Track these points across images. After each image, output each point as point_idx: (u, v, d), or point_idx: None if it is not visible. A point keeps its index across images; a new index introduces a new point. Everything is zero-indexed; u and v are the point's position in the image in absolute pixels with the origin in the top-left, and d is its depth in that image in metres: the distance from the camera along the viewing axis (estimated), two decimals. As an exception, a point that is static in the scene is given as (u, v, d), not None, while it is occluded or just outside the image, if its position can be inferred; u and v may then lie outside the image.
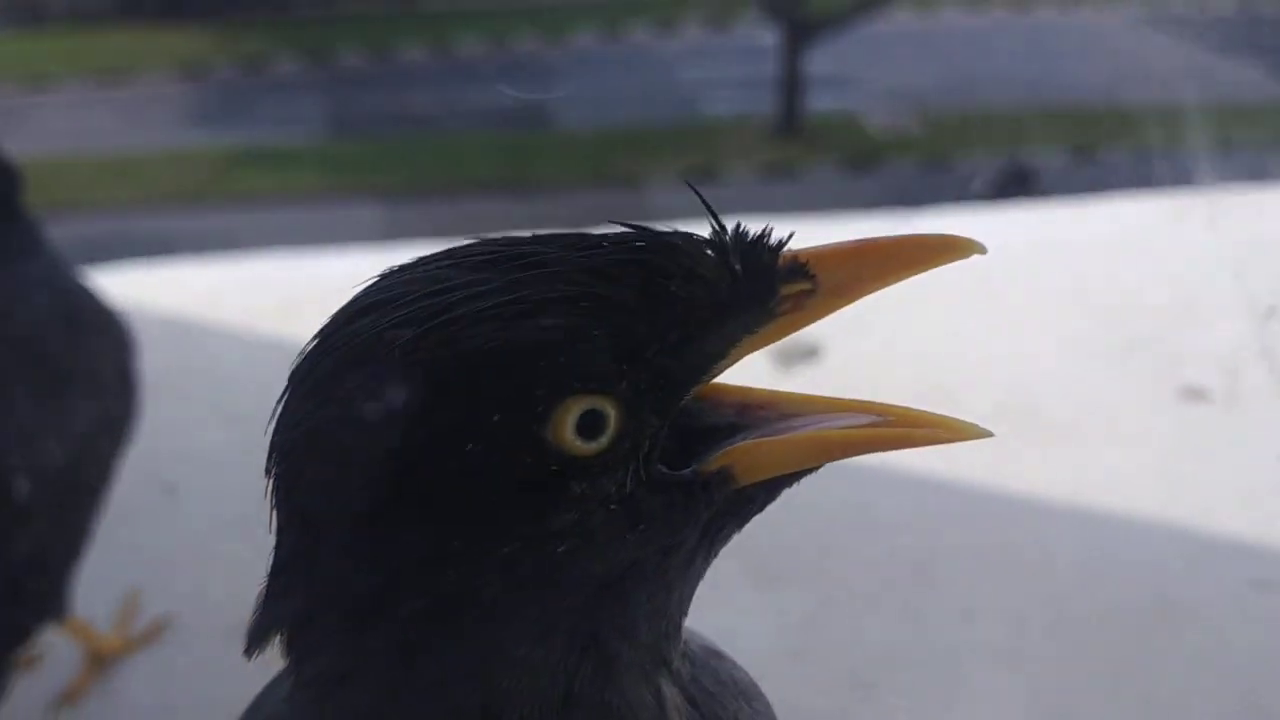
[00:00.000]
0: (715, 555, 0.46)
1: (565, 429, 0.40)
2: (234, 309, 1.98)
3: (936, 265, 0.44)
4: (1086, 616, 1.38)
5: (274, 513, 0.44)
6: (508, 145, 9.56)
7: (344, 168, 8.84)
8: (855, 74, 10.72)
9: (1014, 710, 1.25)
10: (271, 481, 0.44)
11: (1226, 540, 1.47)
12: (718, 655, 0.52)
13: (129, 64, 10.21)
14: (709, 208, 0.44)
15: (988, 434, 0.44)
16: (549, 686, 0.42)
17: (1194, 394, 1.73)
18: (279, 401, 0.44)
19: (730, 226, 0.43)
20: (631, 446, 0.41)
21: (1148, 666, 1.30)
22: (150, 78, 10.19)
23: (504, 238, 0.43)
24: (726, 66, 10.92)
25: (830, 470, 0.45)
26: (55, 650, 1.27)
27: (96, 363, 1.19)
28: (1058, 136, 9.16)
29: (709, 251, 0.42)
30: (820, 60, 10.24)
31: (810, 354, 1.67)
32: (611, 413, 0.41)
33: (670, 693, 0.45)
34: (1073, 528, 1.49)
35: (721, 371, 0.44)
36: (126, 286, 1.75)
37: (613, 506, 0.41)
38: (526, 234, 0.43)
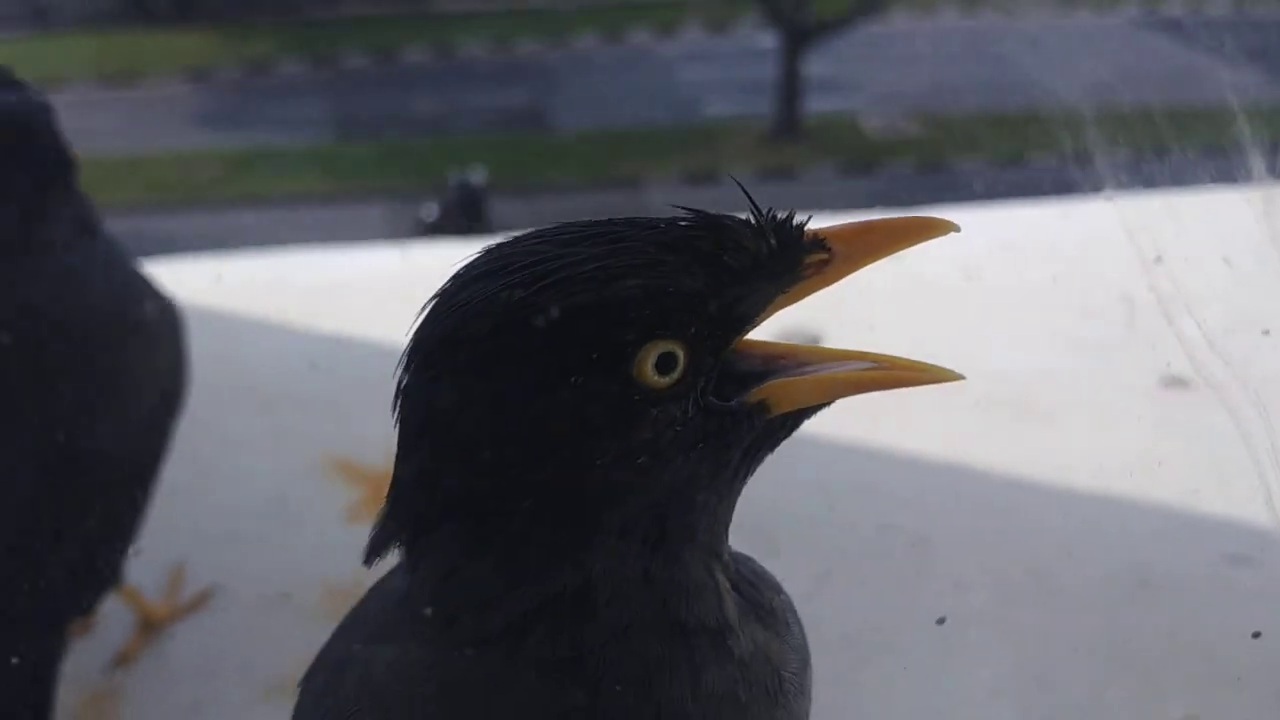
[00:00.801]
0: (752, 473, 0.56)
1: (647, 367, 0.50)
2: (261, 301, 2.06)
3: (922, 240, 0.55)
4: (1070, 587, 1.45)
5: (399, 446, 0.54)
6: (510, 147, 9.64)
7: (349, 169, 8.91)
8: (853, 76, 10.76)
9: (1003, 672, 1.33)
10: (399, 417, 0.53)
11: (1203, 518, 1.55)
12: (748, 557, 0.63)
13: (137, 66, 10.28)
14: (747, 194, 0.54)
15: (960, 377, 0.55)
16: (630, 570, 0.52)
17: (1173, 382, 1.81)
18: (405, 354, 0.53)
19: (764, 210, 0.54)
20: (692, 381, 0.52)
21: (1128, 634, 1.37)
22: (158, 80, 10.25)
23: (583, 221, 0.53)
24: (726, 69, 10.97)
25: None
26: (110, 616, 1.35)
27: (153, 344, 1.25)
28: (1053, 138, 9.22)
29: (750, 229, 0.53)
30: (819, 63, 10.29)
31: (813, 343, 1.76)
32: (680, 354, 0.51)
33: (721, 579, 0.56)
34: (1058, 506, 1.57)
35: (760, 324, 0.55)
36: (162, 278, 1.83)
37: (678, 428, 0.51)
38: (601, 219, 0.53)
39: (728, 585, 0.57)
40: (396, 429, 0.54)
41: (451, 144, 9.65)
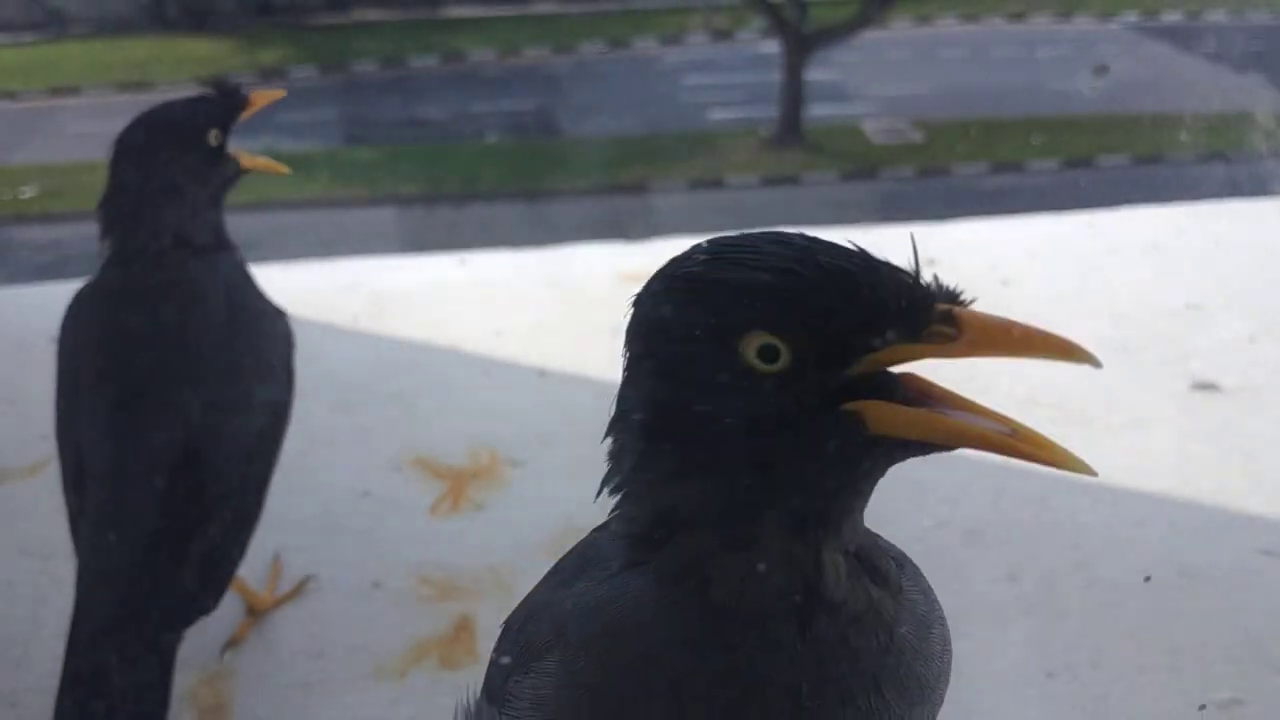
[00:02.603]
0: (867, 484, 0.65)
1: (750, 348, 0.60)
2: (327, 306, 2.14)
3: (1052, 358, 0.61)
4: (1112, 577, 1.53)
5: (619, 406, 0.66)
6: (518, 153, 9.68)
7: (359, 174, 8.96)
8: (856, 83, 10.82)
9: (1054, 654, 1.41)
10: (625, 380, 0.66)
11: (1237, 513, 1.64)
12: (876, 535, 0.72)
13: (151, 72, 10.32)
14: (915, 251, 0.63)
15: (1091, 471, 0.62)
16: (761, 530, 0.63)
17: (1205, 386, 1.91)
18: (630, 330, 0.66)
19: (916, 271, 0.62)
20: (798, 379, 0.61)
21: (1170, 620, 1.45)
22: (172, 85, 10.24)
23: (791, 232, 0.64)
24: (730, 76, 11.02)
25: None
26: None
27: (270, 353, 1.32)
28: (1055, 144, 9.30)
29: (891, 282, 0.61)
30: (822, 69, 10.34)
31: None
32: (783, 351, 0.60)
33: (834, 555, 0.65)
34: (1101, 502, 1.66)
35: (873, 364, 0.61)
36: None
37: (770, 410, 0.61)
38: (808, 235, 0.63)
39: (840, 559, 0.65)
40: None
41: (460, 149, 9.70)
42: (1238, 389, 1.91)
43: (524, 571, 1.53)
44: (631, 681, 0.64)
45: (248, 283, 1.34)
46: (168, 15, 11.48)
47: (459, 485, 1.69)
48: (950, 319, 0.60)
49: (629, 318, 0.65)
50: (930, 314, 0.60)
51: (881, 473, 0.65)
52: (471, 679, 1.37)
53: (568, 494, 1.67)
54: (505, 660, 0.72)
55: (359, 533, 1.61)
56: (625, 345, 0.66)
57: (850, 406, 0.61)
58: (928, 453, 0.62)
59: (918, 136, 9.69)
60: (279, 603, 1.49)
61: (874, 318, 0.60)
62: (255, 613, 1.46)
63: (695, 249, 0.64)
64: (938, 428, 0.60)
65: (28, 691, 1.34)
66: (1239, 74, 10.77)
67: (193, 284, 1.27)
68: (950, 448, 0.62)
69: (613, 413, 0.66)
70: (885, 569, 0.68)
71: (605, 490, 0.67)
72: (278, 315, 1.35)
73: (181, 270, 1.26)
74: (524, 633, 0.71)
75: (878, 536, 0.72)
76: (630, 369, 0.65)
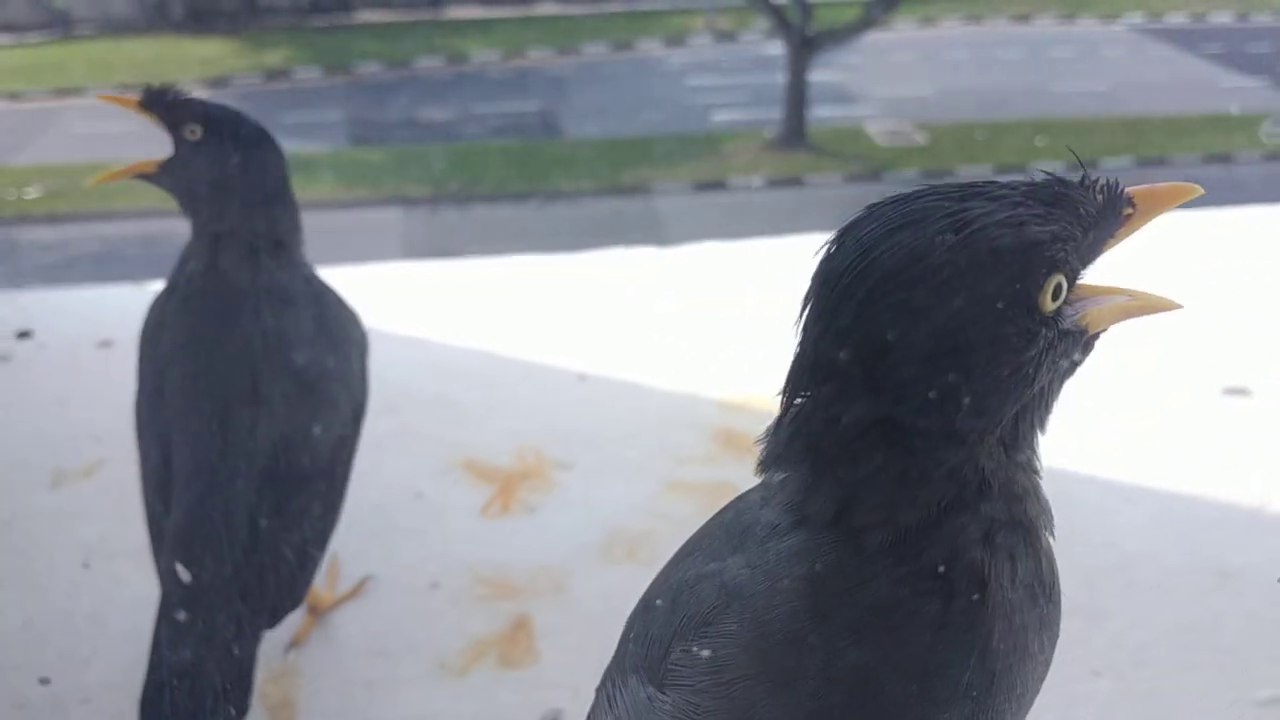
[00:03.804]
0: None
1: (1046, 296, 0.64)
2: (368, 309, 2.16)
3: (1185, 199, 0.70)
4: (1153, 578, 1.55)
5: (811, 372, 0.65)
6: (522, 154, 9.72)
7: (363, 175, 9.00)
8: (859, 85, 10.86)
9: (1098, 653, 1.43)
10: (818, 345, 0.64)
11: (1274, 514, 1.67)
12: None
13: (154, 73, 10.34)
14: (1081, 164, 0.70)
15: (1178, 305, 0.71)
16: (994, 475, 0.66)
17: (1236, 391, 1.94)
18: (820, 289, 0.65)
19: (1094, 177, 0.68)
20: (1061, 307, 0.65)
21: (1212, 620, 1.47)
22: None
23: (953, 184, 0.66)
24: (734, 77, 11.05)
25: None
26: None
27: (352, 357, 1.34)
28: (1059, 146, 9.33)
29: (1089, 189, 0.67)
30: (825, 71, 10.38)
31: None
32: (1064, 283, 0.65)
33: (1038, 481, 0.70)
34: (1138, 505, 1.68)
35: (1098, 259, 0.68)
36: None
37: (1053, 345, 0.65)
38: (967, 182, 0.67)
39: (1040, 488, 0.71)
40: (809, 357, 0.65)
41: (463, 150, 9.73)
42: (1268, 394, 1.94)
43: (576, 572, 1.56)
44: (836, 626, 0.65)
45: (326, 287, 1.36)
46: (172, 16, 11.51)
47: (508, 487, 1.72)
48: (1128, 199, 0.69)
49: (862, 308, 0.63)
50: (1120, 202, 0.68)
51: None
52: (532, 677, 1.41)
53: (615, 495, 1.70)
54: (657, 635, 0.72)
55: (414, 533, 1.64)
56: (853, 343, 0.63)
57: (1083, 318, 0.67)
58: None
59: (921, 138, 9.73)
60: (339, 602, 1.51)
61: (1098, 222, 0.67)
62: (316, 612, 1.48)
63: (918, 220, 0.63)
64: (1127, 312, 0.69)
65: (99, 688, 1.36)
66: (1243, 76, 10.81)
67: (283, 288, 1.29)
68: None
69: (787, 391, 0.67)
70: (1048, 508, 0.72)
71: (768, 465, 0.68)
72: (355, 320, 1.38)
73: (272, 274, 1.28)
74: (679, 606, 0.71)
75: None
76: (856, 348, 0.63)
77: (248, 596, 1.20)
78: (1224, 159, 8.96)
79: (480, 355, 2.10)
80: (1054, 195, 0.65)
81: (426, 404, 1.94)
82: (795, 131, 9.80)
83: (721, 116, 10.30)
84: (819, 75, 10.15)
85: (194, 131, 1.25)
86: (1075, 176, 0.68)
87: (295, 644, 1.45)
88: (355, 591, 1.53)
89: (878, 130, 9.95)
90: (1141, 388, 1.95)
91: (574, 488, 1.74)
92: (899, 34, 11.50)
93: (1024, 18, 11.79)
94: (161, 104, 1.26)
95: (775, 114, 9.94)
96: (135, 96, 1.28)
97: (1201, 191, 0.71)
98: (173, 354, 1.25)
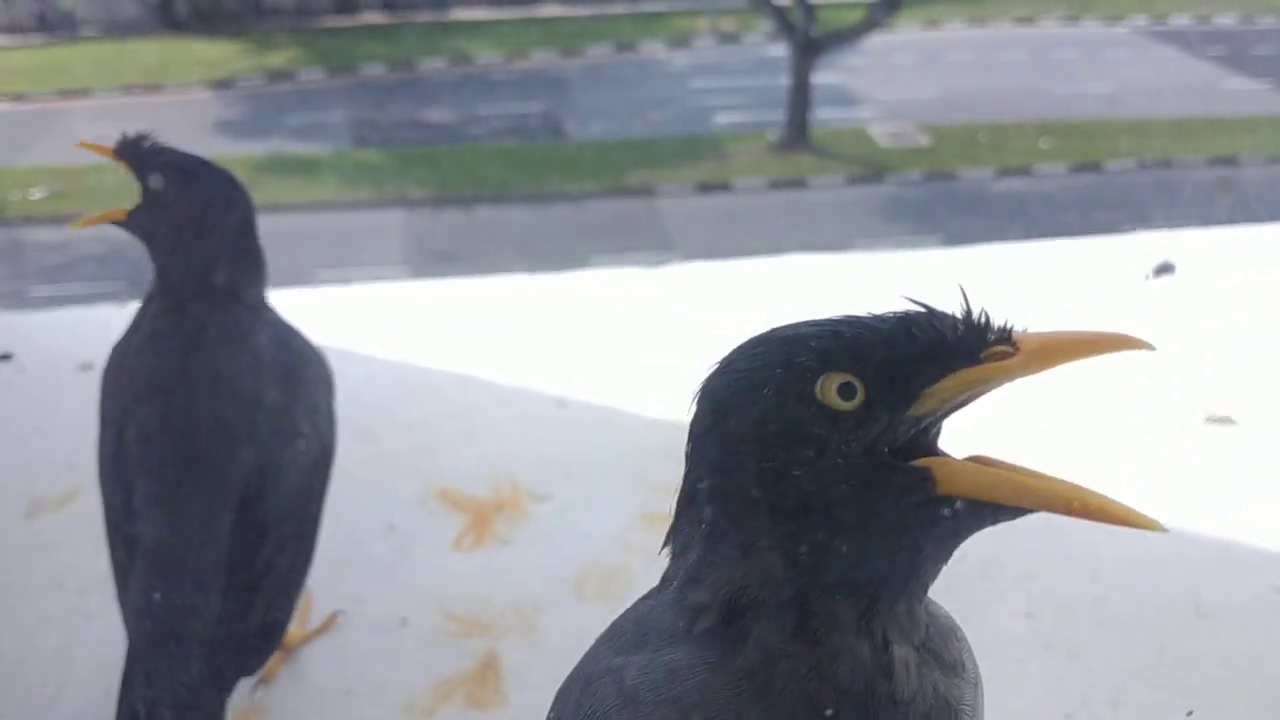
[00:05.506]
0: (931, 564, 0.65)
1: (830, 389, 0.63)
2: (343, 333, 2.15)
3: (1113, 352, 0.63)
4: (1129, 614, 1.54)
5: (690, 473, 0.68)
6: (524, 155, 9.72)
7: (366, 176, 9.00)
8: (863, 87, 10.84)
9: (1073, 694, 1.42)
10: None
11: (1253, 549, 1.65)
12: (931, 602, 0.71)
13: (160, 74, 10.40)
14: (964, 295, 0.65)
15: (1159, 527, 0.61)
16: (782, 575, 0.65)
17: (1219, 420, 1.93)
18: (700, 405, 0.68)
19: (968, 308, 0.64)
20: (866, 426, 0.63)
21: (1187, 659, 1.46)
22: (180, 88, 10.34)
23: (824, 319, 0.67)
24: (737, 79, 11.05)
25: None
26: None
27: (317, 396, 1.33)
28: (1063, 148, 9.31)
29: (945, 316, 0.64)
30: (828, 73, 10.38)
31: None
32: (859, 388, 0.63)
33: (900, 653, 0.65)
34: (1116, 536, 1.65)
35: (940, 396, 0.63)
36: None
37: (840, 460, 0.62)
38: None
39: (911, 654, 0.66)
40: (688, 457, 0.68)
41: (467, 151, 9.73)
42: (1253, 423, 1.92)
43: (548, 610, 1.55)
44: None
45: (289, 327, 1.36)
46: (177, 18, 11.52)
47: (482, 519, 1.71)
48: (1007, 340, 0.63)
49: (694, 402, 0.68)
50: (986, 337, 0.63)
51: (947, 550, 0.65)
52: (499, 719, 1.40)
53: (590, 529, 1.69)
54: None
55: (385, 566, 1.63)
56: (693, 424, 0.67)
57: (920, 463, 0.63)
58: (996, 521, 0.63)
59: (925, 140, 9.72)
60: (309, 638, 1.50)
61: (936, 348, 0.63)
62: (286, 648, 1.48)
63: (749, 340, 0.67)
64: (1004, 486, 0.61)
65: (64, 729, 1.36)
66: (1248, 78, 10.78)
67: (245, 330, 1.28)
68: (1017, 511, 0.63)
69: (680, 492, 0.68)
70: (953, 656, 0.69)
71: (666, 552, 0.69)
72: (321, 360, 1.37)
73: (236, 319, 1.28)
74: (586, 697, 0.71)
75: (930, 602, 0.71)
76: (700, 445, 0.67)
77: (225, 644, 1.19)
78: (1228, 161, 8.93)
79: (460, 379, 2.09)
80: (888, 317, 0.64)
81: (403, 429, 1.93)
82: (798, 133, 9.80)
83: (724, 118, 10.30)
84: (822, 77, 10.14)
85: (157, 181, 1.25)
86: (946, 311, 0.65)
87: (264, 681, 1.44)
88: (325, 627, 1.52)
89: (881, 132, 9.95)
90: (1123, 415, 1.93)
91: (549, 519, 1.73)
92: (902, 36, 11.48)
93: (1028, 19, 11.76)
94: (133, 153, 1.27)
95: (778, 116, 9.94)
96: (111, 146, 1.29)
97: (1148, 347, 0.63)
98: (136, 397, 1.25)
